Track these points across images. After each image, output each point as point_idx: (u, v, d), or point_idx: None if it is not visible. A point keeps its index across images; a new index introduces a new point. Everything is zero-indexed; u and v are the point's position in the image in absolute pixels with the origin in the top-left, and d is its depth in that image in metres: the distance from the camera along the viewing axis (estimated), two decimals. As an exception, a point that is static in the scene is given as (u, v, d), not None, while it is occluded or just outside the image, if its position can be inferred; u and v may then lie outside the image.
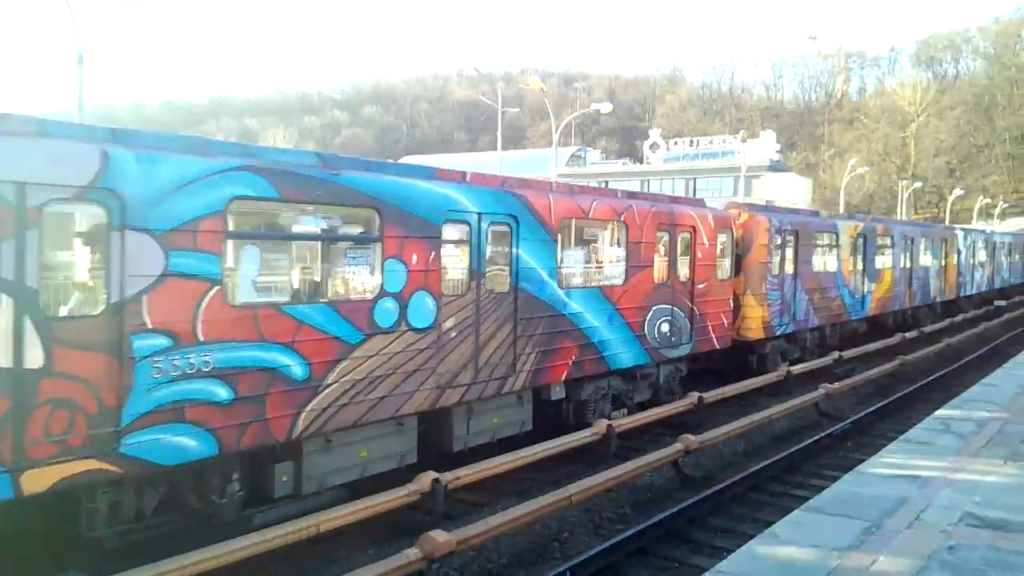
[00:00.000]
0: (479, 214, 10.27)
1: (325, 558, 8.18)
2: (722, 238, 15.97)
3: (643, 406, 13.69)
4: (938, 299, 30.27)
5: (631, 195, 14.31)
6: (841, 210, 60.04)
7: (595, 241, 13.66)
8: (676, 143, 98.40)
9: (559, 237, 11.65)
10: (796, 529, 5.66)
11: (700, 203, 16.36)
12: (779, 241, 18.12)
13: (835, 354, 19.60)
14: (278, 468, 8.29)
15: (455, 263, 10.47)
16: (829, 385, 15.65)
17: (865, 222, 23.75)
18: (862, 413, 14.85)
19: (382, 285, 8.96)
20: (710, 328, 15.48)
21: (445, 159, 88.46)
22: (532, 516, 8.28)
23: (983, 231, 40.73)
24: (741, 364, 17.51)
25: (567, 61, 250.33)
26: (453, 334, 9.86)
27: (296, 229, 9.27)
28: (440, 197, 9.82)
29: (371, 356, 8.78)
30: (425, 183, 9.77)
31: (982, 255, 36.83)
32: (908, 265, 26.47)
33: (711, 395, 14.23)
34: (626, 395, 13.57)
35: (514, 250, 10.77)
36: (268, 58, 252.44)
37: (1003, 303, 36.76)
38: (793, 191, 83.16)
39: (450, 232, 10.15)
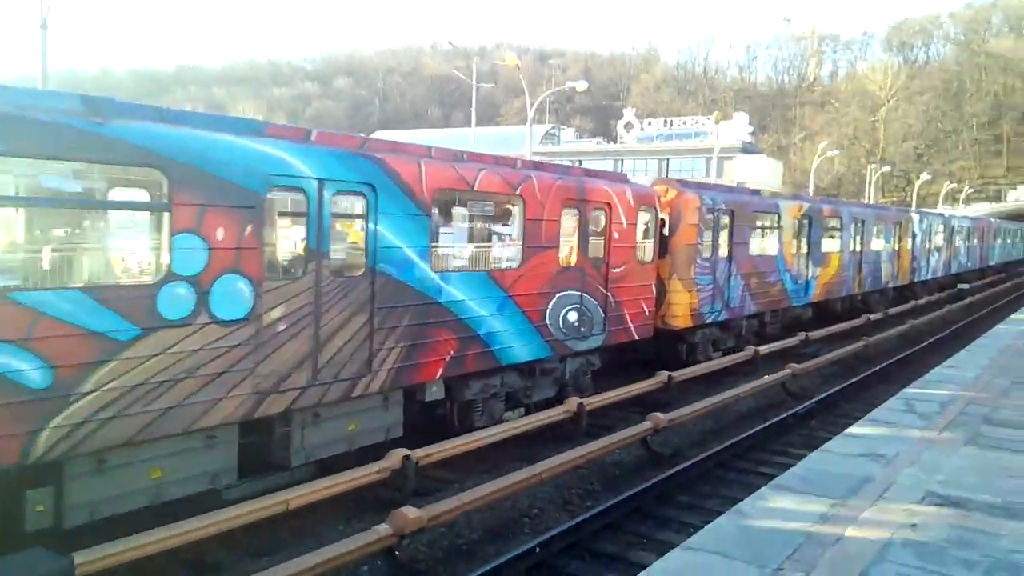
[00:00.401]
0: (320, 180, 8.50)
1: (295, 533, 8.19)
2: (644, 217, 14.52)
3: (549, 403, 12.26)
4: (890, 284, 29.14)
5: (534, 165, 12.71)
6: (811, 193, 60.66)
7: (484, 218, 11.91)
8: (650, 123, 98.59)
9: (434, 212, 10.02)
10: (762, 504, 5.77)
11: (621, 178, 14.92)
12: (711, 221, 16.77)
13: (801, 335, 19.88)
14: (30, 495, 6.66)
15: (286, 240, 9.06)
16: (796, 365, 15.89)
17: (812, 203, 22.61)
18: (827, 393, 15.11)
19: (170, 266, 7.19)
20: (627, 317, 14.12)
21: (418, 134, 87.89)
22: (503, 493, 8.35)
23: (941, 215, 39.18)
24: (669, 354, 16.32)
25: (542, 37, 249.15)
26: (281, 327, 8.18)
27: (45, 191, 7.56)
28: (262, 158, 7.97)
29: (152, 356, 7.06)
30: (241, 140, 7.91)
31: (939, 239, 35.48)
32: (858, 249, 25.25)
33: (680, 374, 14.38)
34: (524, 393, 12.16)
35: (371, 226, 9.10)
36: (238, 27, 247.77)
37: (965, 286, 37.29)
38: (764, 173, 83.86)
39: (279, 202, 8.57)
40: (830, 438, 12.26)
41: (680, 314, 15.85)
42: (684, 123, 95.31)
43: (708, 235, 16.71)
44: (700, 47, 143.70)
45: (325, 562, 6.57)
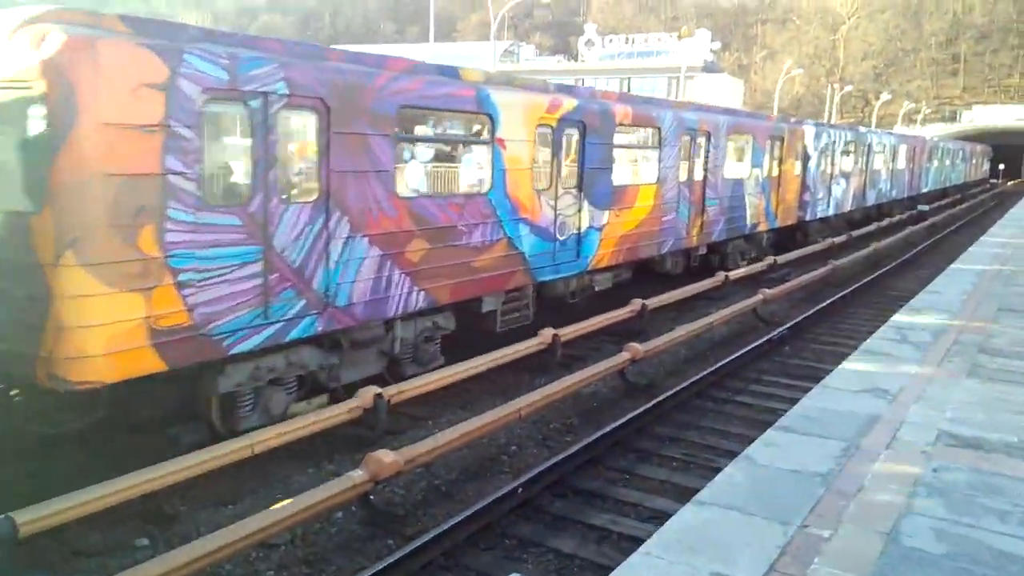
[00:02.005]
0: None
1: (261, 479, 7.70)
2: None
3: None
4: (763, 227, 20.90)
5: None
6: (775, 113, 60.21)
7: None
8: (612, 41, 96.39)
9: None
10: (772, 451, 5.41)
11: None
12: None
13: (770, 259, 19.68)
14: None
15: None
16: (767, 290, 15.66)
17: (585, 99, 13.08)
18: (799, 318, 14.94)
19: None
20: None
21: (372, 50, 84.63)
22: (481, 432, 7.94)
23: (855, 129, 31.92)
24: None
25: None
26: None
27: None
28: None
29: None
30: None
31: (847, 162, 28.03)
32: (695, 177, 16.83)
33: (654, 301, 14.02)
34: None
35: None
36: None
37: (925, 208, 37.40)
38: (726, 93, 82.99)
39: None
40: (806, 365, 12.30)
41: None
42: (646, 41, 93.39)
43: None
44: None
45: (296, 514, 6.10)
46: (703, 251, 18.29)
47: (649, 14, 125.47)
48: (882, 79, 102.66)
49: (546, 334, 11.21)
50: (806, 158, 23.47)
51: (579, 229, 12.97)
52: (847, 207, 28.53)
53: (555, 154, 12.13)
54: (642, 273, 16.24)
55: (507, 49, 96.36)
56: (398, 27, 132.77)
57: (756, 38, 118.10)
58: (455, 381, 9.54)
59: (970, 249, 18.80)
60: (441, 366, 10.19)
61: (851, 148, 28.27)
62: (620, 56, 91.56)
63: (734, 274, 17.56)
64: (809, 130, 23.90)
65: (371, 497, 6.94)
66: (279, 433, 7.41)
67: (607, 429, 8.78)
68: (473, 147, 12.52)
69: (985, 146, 72.37)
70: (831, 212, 26.49)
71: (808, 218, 24.32)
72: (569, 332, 11.79)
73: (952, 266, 15.87)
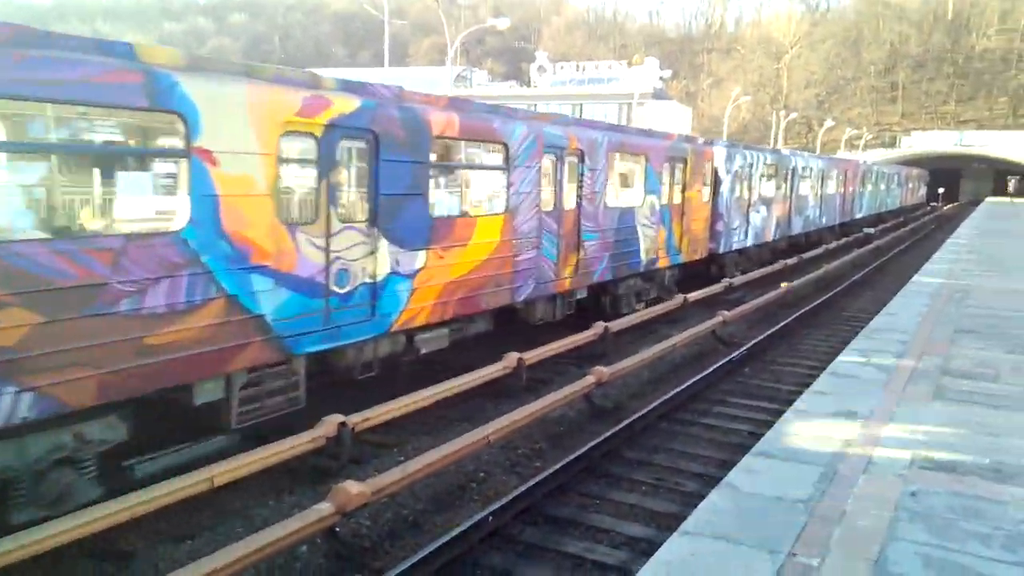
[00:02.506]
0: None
1: (221, 512, 7.38)
2: None
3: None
4: (663, 262, 17.64)
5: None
6: (724, 138, 61.38)
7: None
8: (563, 67, 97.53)
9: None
10: (752, 477, 5.35)
11: None
12: None
13: (726, 281, 19.91)
14: None
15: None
16: (726, 312, 15.78)
17: (371, 99, 9.47)
18: (756, 339, 15.07)
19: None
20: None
21: (325, 74, 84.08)
22: (450, 459, 7.74)
23: (776, 152, 28.93)
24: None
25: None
26: None
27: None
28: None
29: None
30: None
31: (768, 188, 25.36)
32: (565, 206, 13.69)
33: (616, 324, 14.02)
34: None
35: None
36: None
37: (871, 231, 38.24)
38: (674, 119, 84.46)
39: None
40: (767, 386, 12.38)
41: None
42: (596, 68, 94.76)
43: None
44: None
45: (259, 549, 5.82)
46: (583, 294, 14.82)
47: (599, 42, 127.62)
48: (825, 106, 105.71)
49: (511, 358, 11.08)
50: (717, 183, 20.79)
51: (374, 277, 9.34)
52: (769, 236, 25.74)
53: (323, 175, 8.65)
54: (505, 324, 13.11)
55: (460, 74, 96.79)
56: (349, 51, 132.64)
57: (703, 66, 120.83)
58: (420, 408, 9.33)
59: (925, 266, 19.23)
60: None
61: (772, 172, 25.67)
62: (571, 82, 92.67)
63: (692, 296, 17.69)
64: (720, 152, 21.07)
65: (337, 530, 6.69)
66: (240, 465, 7.13)
67: (576, 454, 8.66)
68: (147, 162, 8.56)
69: (922, 170, 73.20)
70: (750, 242, 23.79)
71: (722, 250, 21.40)
72: (533, 356, 11.68)
73: (906, 288, 16.21)
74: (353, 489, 6.55)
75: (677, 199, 18.23)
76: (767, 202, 25.14)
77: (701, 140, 21.35)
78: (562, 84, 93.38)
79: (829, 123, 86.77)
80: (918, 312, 12.93)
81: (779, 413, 9.08)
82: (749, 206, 23.34)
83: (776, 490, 5.19)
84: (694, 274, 20.24)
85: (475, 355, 11.46)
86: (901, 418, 7.02)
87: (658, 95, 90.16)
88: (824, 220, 33.28)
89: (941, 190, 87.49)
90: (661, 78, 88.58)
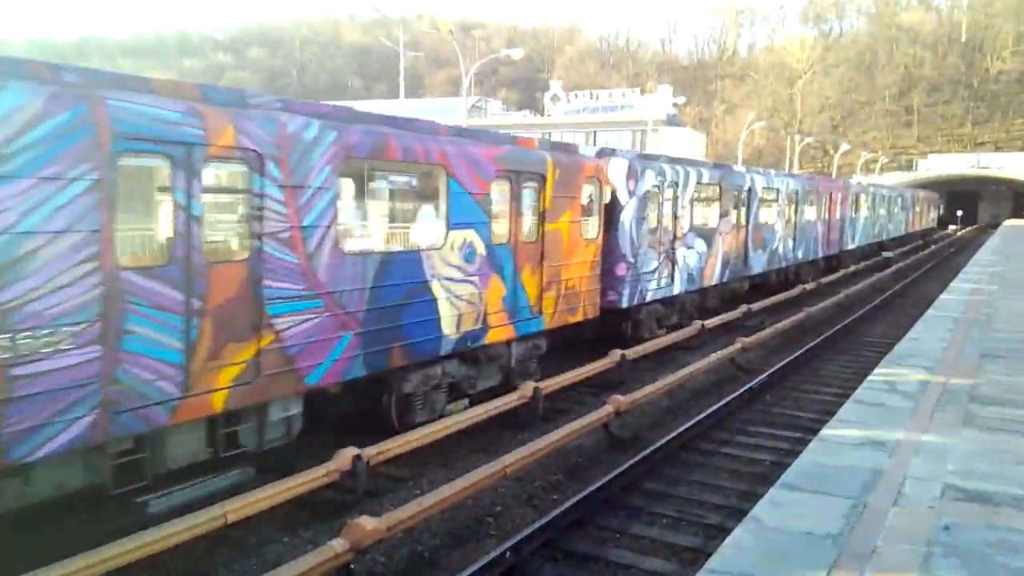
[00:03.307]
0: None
1: (235, 548, 7.27)
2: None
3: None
4: (501, 333, 11.65)
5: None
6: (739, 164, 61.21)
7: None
8: (576, 96, 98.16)
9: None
10: (779, 511, 5.18)
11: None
12: None
13: (744, 307, 19.73)
14: None
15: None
16: (745, 339, 15.59)
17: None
18: (777, 366, 14.86)
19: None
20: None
21: (341, 106, 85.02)
22: (466, 493, 7.61)
23: (725, 167, 21.87)
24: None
25: (463, 8, 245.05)
26: None
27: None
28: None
29: None
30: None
31: (708, 214, 19.79)
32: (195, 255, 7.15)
33: (633, 352, 13.87)
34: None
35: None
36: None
37: (890, 255, 37.77)
38: (688, 145, 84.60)
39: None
40: (788, 414, 12.17)
41: None
42: (610, 96, 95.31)
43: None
44: (622, 20, 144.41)
45: (274, 588, 5.70)
46: (286, 412, 8.43)
47: (612, 71, 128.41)
48: (839, 130, 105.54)
49: (527, 387, 10.96)
50: (615, 210, 15.16)
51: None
52: (712, 279, 19.63)
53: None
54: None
55: (475, 104, 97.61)
56: (365, 84, 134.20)
57: (716, 92, 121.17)
58: (436, 439, 9.22)
59: (942, 296, 18.97)
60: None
61: (714, 194, 19.69)
62: (585, 111, 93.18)
63: (711, 322, 17.52)
64: (617, 165, 15.33)
65: (352, 567, 6.56)
66: (253, 500, 7.03)
67: (595, 486, 8.49)
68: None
69: (930, 192, 67.75)
70: (679, 289, 17.79)
71: (627, 303, 15.48)
72: (550, 385, 11.55)
73: (928, 312, 15.95)
74: (368, 525, 6.43)
75: (531, 235, 12.36)
76: (707, 234, 19.07)
77: (585, 150, 15.65)
78: (576, 112, 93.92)
79: (844, 147, 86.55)
80: (942, 337, 12.69)
81: (802, 442, 8.90)
82: (676, 240, 17.44)
83: (803, 524, 5.02)
84: (584, 340, 15.09)
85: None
86: (930, 447, 6.82)
87: (671, 122, 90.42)
88: (800, 254, 26.51)
89: (959, 213, 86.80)
90: (674, 104, 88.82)
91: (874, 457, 6.47)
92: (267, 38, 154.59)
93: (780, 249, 24.66)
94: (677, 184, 17.47)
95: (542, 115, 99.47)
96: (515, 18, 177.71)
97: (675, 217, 17.51)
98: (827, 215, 30.06)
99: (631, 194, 15.41)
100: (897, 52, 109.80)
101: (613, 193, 15.11)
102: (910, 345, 12.02)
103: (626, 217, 15.39)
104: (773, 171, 25.52)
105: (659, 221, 16.84)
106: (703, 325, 17.08)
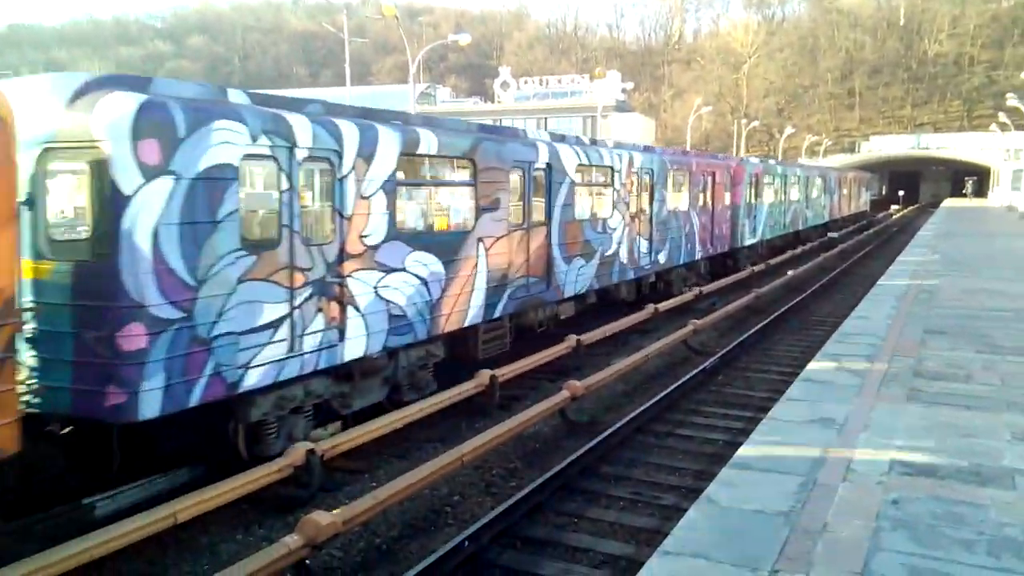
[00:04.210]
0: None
1: (186, 548, 7.10)
2: None
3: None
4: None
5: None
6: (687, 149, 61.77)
7: None
8: (526, 82, 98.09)
9: None
10: (731, 491, 5.23)
11: None
12: None
13: (696, 289, 19.95)
14: None
15: None
16: (697, 321, 15.75)
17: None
18: (729, 347, 15.05)
19: None
20: None
21: (287, 94, 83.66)
22: (423, 483, 7.54)
23: (502, 133, 14.46)
24: None
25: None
26: None
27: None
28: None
29: None
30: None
31: (462, 207, 12.08)
32: None
33: (588, 337, 13.91)
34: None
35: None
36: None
37: (835, 235, 38.28)
38: (637, 131, 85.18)
39: None
40: (740, 394, 12.34)
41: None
42: (560, 82, 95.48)
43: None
44: (569, 5, 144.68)
45: (227, 587, 5.58)
46: None
47: (561, 56, 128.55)
48: (784, 114, 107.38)
49: (483, 375, 10.91)
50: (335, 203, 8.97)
51: None
52: (466, 317, 11.70)
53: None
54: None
55: (423, 91, 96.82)
56: (311, 71, 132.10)
57: (664, 78, 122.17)
58: (391, 431, 9.13)
59: (890, 269, 19.33)
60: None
61: (463, 175, 12.00)
62: (536, 97, 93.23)
63: (663, 305, 17.66)
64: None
65: (307, 563, 6.46)
66: (203, 499, 6.87)
67: (552, 472, 8.49)
68: None
69: (861, 172, 62.10)
70: (360, 352, 9.53)
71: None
72: (506, 372, 11.52)
73: (873, 290, 16.30)
74: (323, 520, 6.32)
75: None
76: (444, 245, 11.23)
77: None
78: (526, 99, 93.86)
79: (789, 130, 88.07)
80: (887, 315, 12.99)
81: (755, 421, 9.01)
82: (342, 265, 9.13)
83: (756, 503, 5.07)
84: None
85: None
86: (877, 423, 6.97)
87: (621, 107, 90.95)
88: (662, 258, 19.66)
89: (901, 193, 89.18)
90: (623, 90, 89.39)
91: (823, 434, 6.58)
92: (207, 25, 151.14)
93: (623, 253, 17.34)
94: (333, 161, 8.97)
95: (492, 102, 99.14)
96: (463, 4, 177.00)
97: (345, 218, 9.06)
98: (710, 203, 23.23)
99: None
100: (838, 36, 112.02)
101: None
102: (857, 323, 12.28)
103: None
104: (610, 143, 18.17)
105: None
106: (656, 308, 17.22)
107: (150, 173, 6.93)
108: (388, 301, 9.85)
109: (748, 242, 27.32)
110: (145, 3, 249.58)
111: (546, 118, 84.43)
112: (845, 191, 48.46)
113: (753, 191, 27.63)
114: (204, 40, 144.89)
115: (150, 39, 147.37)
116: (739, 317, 18.66)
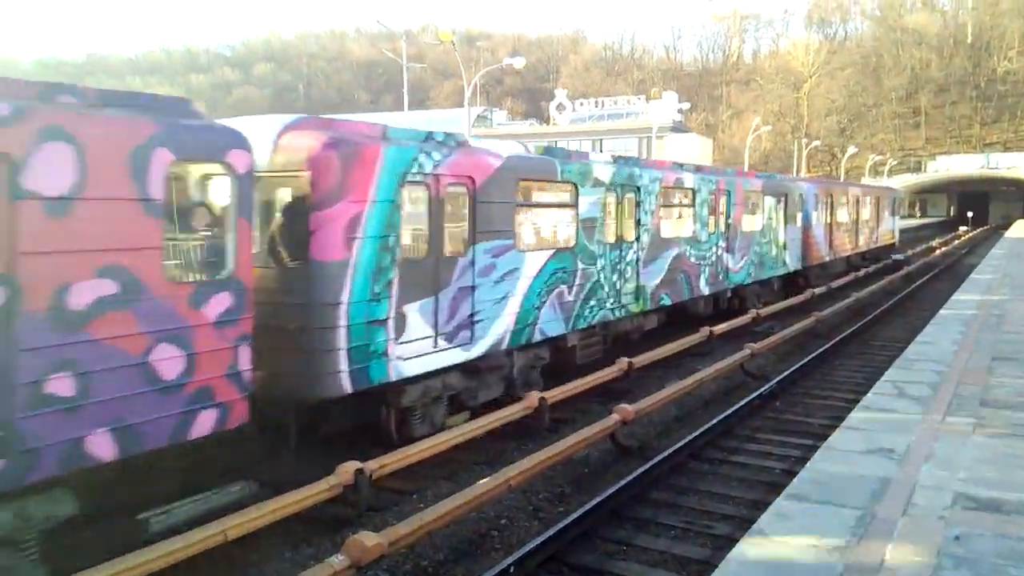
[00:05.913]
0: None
1: (235, 565, 7.18)
2: None
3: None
4: None
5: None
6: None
7: None
8: (582, 104, 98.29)
9: None
10: (784, 523, 5.06)
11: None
12: None
13: (753, 312, 19.56)
14: None
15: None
16: (754, 344, 15.43)
17: None
18: (786, 372, 14.69)
19: None
20: None
21: (350, 119, 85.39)
22: (470, 506, 7.50)
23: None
24: None
25: (468, 19, 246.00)
26: None
27: None
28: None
29: None
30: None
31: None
32: None
33: (640, 360, 13.74)
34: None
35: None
36: (149, 12, 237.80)
37: (900, 257, 37.40)
38: (695, 151, 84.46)
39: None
40: (796, 419, 12.01)
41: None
42: (615, 103, 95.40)
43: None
44: (626, 28, 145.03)
45: (272, 607, 5.61)
46: None
47: (617, 78, 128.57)
48: (847, 133, 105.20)
49: (532, 398, 10.85)
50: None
51: None
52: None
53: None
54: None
55: (480, 114, 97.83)
56: (372, 97, 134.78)
57: (721, 98, 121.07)
58: (439, 452, 9.12)
59: (954, 296, 18.69)
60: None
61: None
62: (591, 119, 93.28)
63: (719, 328, 17.35)
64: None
65: (353, 583, 6.46)
66: (253, 517, 6.95)
67: (601, 498, 8.37)
68: None
69: (888, 187, 47.00)
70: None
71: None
72: (556, 394, 11.44)
73: (939, 314, 15.72)
74: (368, 541, 6.33)
75: None
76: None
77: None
78: (582, 120, 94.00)
79: (852, 150, 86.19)
80: (953, 340, 12.50)
81: (812, 448, 8.74)
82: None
83: (810, 537, 4.89)
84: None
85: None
86: (940, 454, 6.67)
87: (677, 128, 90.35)
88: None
89: (970, 214, 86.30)
90: (680, 111, 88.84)
91: (883, 465, 6.33)
92: (273, 53, 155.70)
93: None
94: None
95: (547, 124, 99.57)
96: (519, 28, 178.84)
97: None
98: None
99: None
100: (903, 54, 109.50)
101: None
102: (921, 348, 11.85)
103: None
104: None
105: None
106: (711, 332, 16.93)
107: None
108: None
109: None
110: (214, 33, 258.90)
111: (602, 139, 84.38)
112: (867, 216, 33.19)
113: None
114: (270, 68, 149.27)
115: (219, 67, 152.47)
116: (799, 341, 18.21)
